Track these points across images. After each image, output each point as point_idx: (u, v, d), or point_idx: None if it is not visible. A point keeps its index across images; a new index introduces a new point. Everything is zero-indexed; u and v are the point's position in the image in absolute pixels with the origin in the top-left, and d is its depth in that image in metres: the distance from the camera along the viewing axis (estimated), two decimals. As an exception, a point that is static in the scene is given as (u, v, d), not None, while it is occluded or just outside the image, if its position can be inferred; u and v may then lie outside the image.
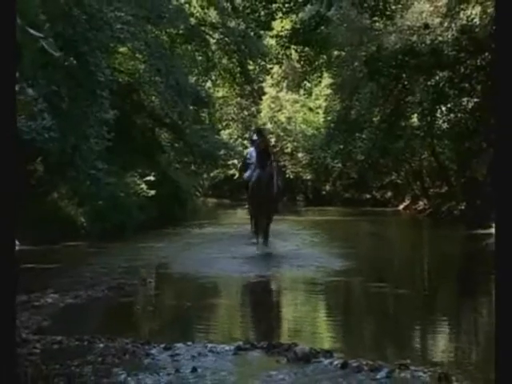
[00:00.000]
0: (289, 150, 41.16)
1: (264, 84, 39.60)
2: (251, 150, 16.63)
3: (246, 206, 17.65)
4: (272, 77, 38.16)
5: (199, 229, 19.06)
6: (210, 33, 25.97)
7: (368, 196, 37.93)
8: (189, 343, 6.26)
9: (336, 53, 27.79)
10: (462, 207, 23.91)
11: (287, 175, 38.41)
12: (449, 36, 19.24)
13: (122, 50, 20.12)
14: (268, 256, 12.95)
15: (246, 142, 38.24)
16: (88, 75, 14.93)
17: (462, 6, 19.60)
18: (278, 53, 26.38)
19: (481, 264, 14.40)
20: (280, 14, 20.04)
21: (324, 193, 40.33)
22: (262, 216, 13.80)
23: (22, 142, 11.43)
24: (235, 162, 33.07)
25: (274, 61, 28.95)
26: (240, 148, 32.59)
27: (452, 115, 21.41)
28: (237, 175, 34.78)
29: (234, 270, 11.40)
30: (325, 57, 27.00)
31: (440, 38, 19.31)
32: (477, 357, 6.63)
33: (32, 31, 3.88)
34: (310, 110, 39.59)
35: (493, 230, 18.42)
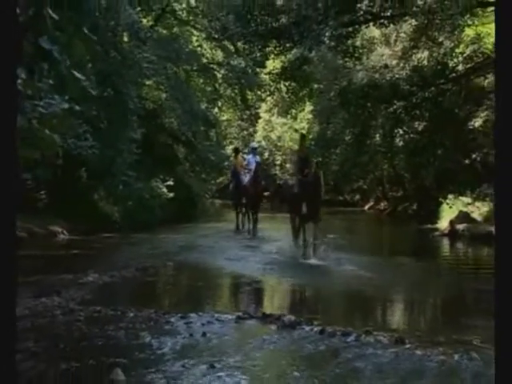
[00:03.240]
0: (279, 161, 41.15)
1: (259, 110, 39.57)
2: (249, 157, 15.90)
3: (232, 207, 16.93)
4: (266, 104, 38.18)
5: (208, 224, 19.02)
6: (217, 69, 25.89)
7: (341, 198, 37.86)
8: (200, 313, 6.26)
9: (316, 86, 27.76)
10: (414, 207, 23.93)
11: (278, 181, 38.30)
12: (403, 74, 19.25)
13: (148, 82, 20.08)
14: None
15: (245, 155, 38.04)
16: (121, 103, 14.94)
17: (413, 51, 19.66)
18: (271, 86, 26.43)
19: (429, 251, 14.48)
20: (272, 56, 20.07)
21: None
22: (306, 223, 11.23)
23: (70, 156, 11.42)
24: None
25: (268, 92, 28.95)
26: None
27: (406, 136, 21.44)
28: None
29: (239, 255, 11.37)
30: (307, 89, 27.02)
31: (397, 76, 19.33)
32: (424, 325, 6.64)
33: (76, 73, 3.90)
34: (296, 130, 39.47)
35: (438, 225, 18.47)
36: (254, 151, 16.05)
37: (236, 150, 17.76)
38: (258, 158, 15.97)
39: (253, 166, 15.36)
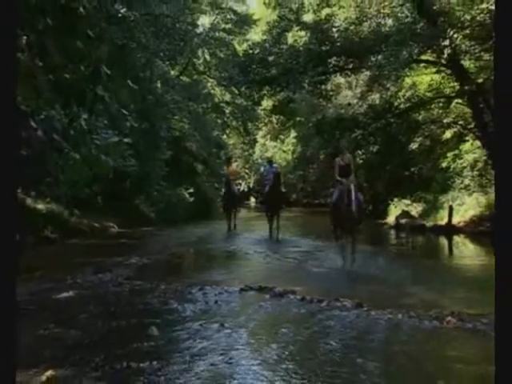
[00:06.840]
0: (271, 174, 41.11)
1: (257, 136, 39.54)
2: (267, 168, 13.54)
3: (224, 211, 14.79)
4: (261, 132, 38.18)
5: (220, 221, 18.95)
6: (226, 107, 25.95)
7: (317, 201, 37.74)
8: (213, 286, 6.27)
9: (298, 119, 27.90)
10: (370, 207, 23.93)
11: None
12: (362, 110, 19.40)
13: (175, 117, 20.14)
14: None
15: (247, 170, 38.00)
16: (154, 133, 14.97)
17: (369, 93, 19.85)
18: (265, 119, 26.56)
19: (383, 237, 14.61)
20: (266, 97, 20.14)
21: (291, 199, 40.18)
22: (345, 233, 8.21)
23: (118, 172, 11.37)
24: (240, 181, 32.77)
25: (263, 123, 29.09)
26: (242, 174, 32.56)
27: (364, 156, 21.53)
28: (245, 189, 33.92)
29: (243, 245, 11.32)
30: (292, 121, 27.15)
31: (357, 111, 19.46)
32: (379, 294, 6.59)
33: (123, 111, 3.98)
34: (284, 151, 39.62)
35: (387, 220, 18.51)
36: (270, 163, 13.65)
37: (228, 160, 15.34)
38: (275, 168, 13.22)
39: (271, 176, 12.81)
